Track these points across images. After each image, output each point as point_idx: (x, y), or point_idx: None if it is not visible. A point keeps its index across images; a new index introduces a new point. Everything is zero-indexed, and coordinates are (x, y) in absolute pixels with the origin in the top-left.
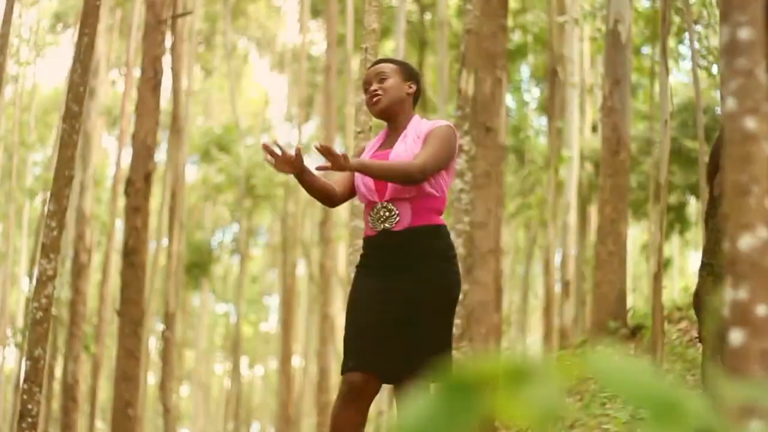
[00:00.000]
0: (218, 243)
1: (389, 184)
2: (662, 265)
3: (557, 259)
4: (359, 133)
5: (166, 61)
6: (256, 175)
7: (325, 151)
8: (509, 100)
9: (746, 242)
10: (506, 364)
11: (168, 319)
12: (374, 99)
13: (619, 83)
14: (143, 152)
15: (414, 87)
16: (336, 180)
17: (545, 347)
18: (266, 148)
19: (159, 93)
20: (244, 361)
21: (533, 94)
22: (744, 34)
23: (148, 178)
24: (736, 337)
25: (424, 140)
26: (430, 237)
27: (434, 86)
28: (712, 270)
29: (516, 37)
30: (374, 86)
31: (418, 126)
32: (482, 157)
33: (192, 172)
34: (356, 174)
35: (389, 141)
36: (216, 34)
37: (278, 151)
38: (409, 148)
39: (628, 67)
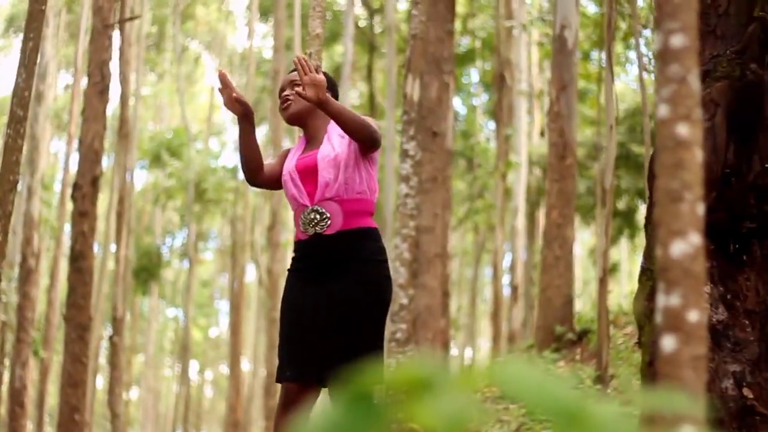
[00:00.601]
0: (168, 247)
1: (319, 186)
2: (608, 270)
3: (506, 263)
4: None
5: (114, 65)
6: (206, 180)
7: (304, 63)
8: (459, 105)
9: (678, 248)
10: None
11: (116, 324)
12: (285, 104)
13: (566, 88)
14: (90, 156)
15: (328, 94)
16: (267, 162)
17: (493, 351)
18: (223, 78)
19: (106, 97)
20: (193, 365)
21: (482, 99)
22: (676, 41)
23: (95, 183)
24: (668, 343)
25: None
26: (362, 240)
27: (383, 91)
28: (651, 275)
29: (465, 41)
30: (287, 92)
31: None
32: (428, 162)
33: (142, 177)
34: (287, 176)
35: (309, 147)
36: (166, 38)
37: (233, 85)
38: (336, 147)
39: (575, 72)
